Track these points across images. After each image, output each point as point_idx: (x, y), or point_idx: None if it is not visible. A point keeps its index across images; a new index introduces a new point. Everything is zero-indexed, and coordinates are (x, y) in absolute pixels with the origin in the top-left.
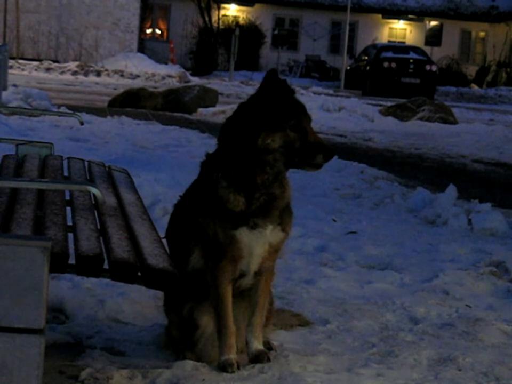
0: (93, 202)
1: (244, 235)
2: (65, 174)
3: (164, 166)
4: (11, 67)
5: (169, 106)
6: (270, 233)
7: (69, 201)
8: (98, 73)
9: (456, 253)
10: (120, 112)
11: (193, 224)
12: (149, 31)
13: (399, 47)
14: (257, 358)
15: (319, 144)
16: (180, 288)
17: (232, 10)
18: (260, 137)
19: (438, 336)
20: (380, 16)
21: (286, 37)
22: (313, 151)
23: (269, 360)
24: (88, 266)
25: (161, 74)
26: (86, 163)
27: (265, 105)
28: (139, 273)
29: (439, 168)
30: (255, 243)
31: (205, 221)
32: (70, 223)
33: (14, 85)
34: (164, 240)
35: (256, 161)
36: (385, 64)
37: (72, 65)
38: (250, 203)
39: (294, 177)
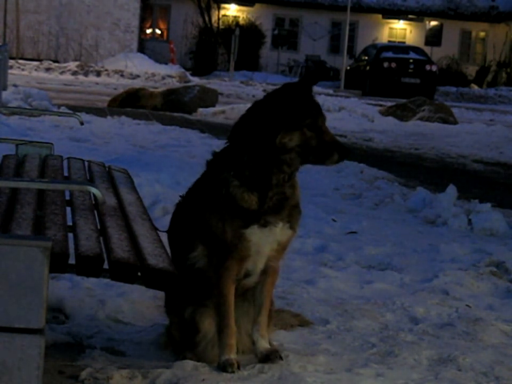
0: (93, 202)
1: (253, 234)
2: (65, 174)
3: (164, 166)
4: (11, 67)
5: (169, 106)
6: (280, 231)
7: (69, 201)
8: (98, 73)
9: (456, 253)
10: (120, 112)
11: (199, 222)
12: (149, 31)
13: (399, 47)
14: (268, 357)
15: (335, 143)
16: (181, 289)
17: (232, 10)
18: (278, 137)
19: (438, 336)
20: (380, 16)
21: (286, 37)
22: (329, 150)
23: (281, 358)
24: (88, 266)
25: (161, 74)
26: (86, 163)
27: (282, 104)
28: (139, 273)
29: (439, 168)
30: (265, 241)
31: (213, 219)
32: (70, 223)
33: (14, 85)
34: (164, 235)
35: (273, 161)
36: (385, 64)
37: (72, 65)
38: (263, 202)
39: None
